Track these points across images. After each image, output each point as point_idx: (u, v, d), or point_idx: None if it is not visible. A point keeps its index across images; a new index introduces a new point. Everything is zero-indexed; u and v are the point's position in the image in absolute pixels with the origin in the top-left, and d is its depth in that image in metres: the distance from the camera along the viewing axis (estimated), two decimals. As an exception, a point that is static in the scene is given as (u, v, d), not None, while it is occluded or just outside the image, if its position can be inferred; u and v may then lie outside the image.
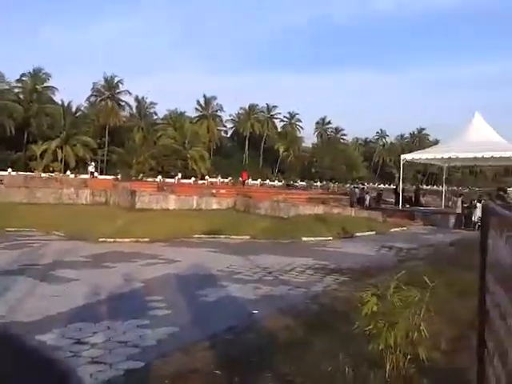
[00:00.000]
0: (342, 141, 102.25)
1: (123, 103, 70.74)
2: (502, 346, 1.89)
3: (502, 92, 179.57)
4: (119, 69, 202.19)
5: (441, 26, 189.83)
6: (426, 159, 30.51)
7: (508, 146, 25.87)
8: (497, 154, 24.76)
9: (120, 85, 68.69)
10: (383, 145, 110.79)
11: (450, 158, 27.20)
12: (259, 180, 64.87)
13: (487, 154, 24.86)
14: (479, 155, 25.16)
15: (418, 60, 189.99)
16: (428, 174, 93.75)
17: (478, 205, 23.39)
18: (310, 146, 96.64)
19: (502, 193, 12.09)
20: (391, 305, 4.58)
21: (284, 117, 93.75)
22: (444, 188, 35.66)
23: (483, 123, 27.57)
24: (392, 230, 21.45)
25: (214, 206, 22.60)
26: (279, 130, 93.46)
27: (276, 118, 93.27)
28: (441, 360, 4.91)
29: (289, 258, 12.73)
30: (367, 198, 30.33)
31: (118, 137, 66.24)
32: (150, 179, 50.16)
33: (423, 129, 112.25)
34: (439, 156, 27.76)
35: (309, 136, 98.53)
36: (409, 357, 4.47)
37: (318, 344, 5.54)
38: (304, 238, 16.86)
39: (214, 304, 8.02)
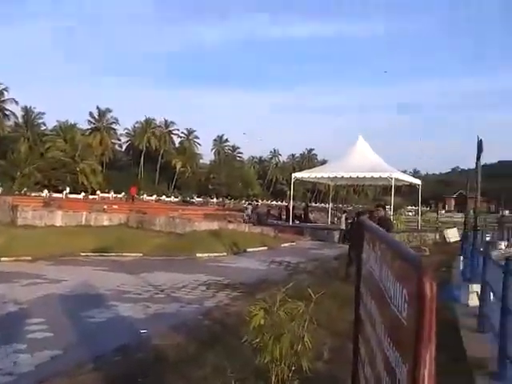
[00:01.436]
0: (238, 159, 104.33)
1: (8, 112, 65.90)
2: (371, 354, 2.04)
3: (381, 117, 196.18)
4: (5, 77, 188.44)
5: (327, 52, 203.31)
6: (315, 178, 32.10)
7: (387, 167, 28.23)
8: (376, 175, 26.90)
9: (5, 93, 64.04)
10: (276, 163, 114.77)
11: (335, 177, 28.97)
12: (155, 196, 63.65)
13: (368, 174, 26.92)
14: (361, 175, 27.14)
15: (309, 84, 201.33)
16: (316, 191, 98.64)
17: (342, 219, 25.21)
18: (208, 162, 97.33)
19: (376, 209, 13.33)
20: (277, 318, 4.74)
21: (182, 133, 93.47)
22: (330, 205, 37.85)
23: (366, 145, 29.80)
24: (283, 245, 22.19)
25: (105, 223, 21.66)
26: (177, 145, 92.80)
27: (174, 134, 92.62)
28: (323, 370, 5.16)
29: (182, 275, 12.61)
30: (258, 214, 31.25)
31: (0, 148, 61.16)
32: (35, 193, 46.86)
33: (312, 149, 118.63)
34: (326, 175, 29.41)
35: (207, 153, 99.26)
36: (293, 368, 4.64)
37: (209, 359, 5.54)
38: (199, 254, 16.80)
39: (102, 324, 7.67)
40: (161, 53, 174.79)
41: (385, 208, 15.30)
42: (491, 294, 6.63)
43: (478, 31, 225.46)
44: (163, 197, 66.17)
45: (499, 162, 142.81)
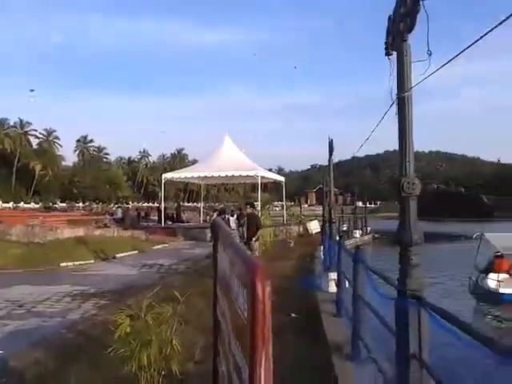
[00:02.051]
0: (105, 160, 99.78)
1: None
2: (226, 354, 2.11)
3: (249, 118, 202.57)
4: None
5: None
6: (186, 178, 32.00)
7: (253, 165, 29.22)
8: (244, 173, 27.72)
9: None
10: (146, 164, 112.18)
11: (206, 176, 29.18)
12: (11, 203, 58.18)
13: (236, 173, 27.61)
14: (230, 174, 27.73)
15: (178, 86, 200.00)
16: (189, 191, 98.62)
17: (231, 218, 25.74)
18: (71, 164, 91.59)
19: (245, 207, 13.97)
20: (145, 324, 4.66)
21: (40, 133, 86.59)
22: (202, 204, 38.02)
23: (232, 145, 30.50)
24: (155, 247, 21.78)
25: None
26: (35, 147, 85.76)
27: (31, 135, 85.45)
28: (194, 371, 5.19)
29: (44, 287, 11.71)
30: (127, 216, 30.34)
31: None
32: None
33: (182, 149, 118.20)
34: (196, 175, 29.49)
35: (69, 155, 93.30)
36: (163, 373, 4.61)
37: (71, 373, 5.24)
38: (63, 264, 15.74)
39: None
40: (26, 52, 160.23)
41: (253, 205, 15.81)
42: (346, 280, 7.25)
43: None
44: (21, 203, 60.80)
45: (352, 157, 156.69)
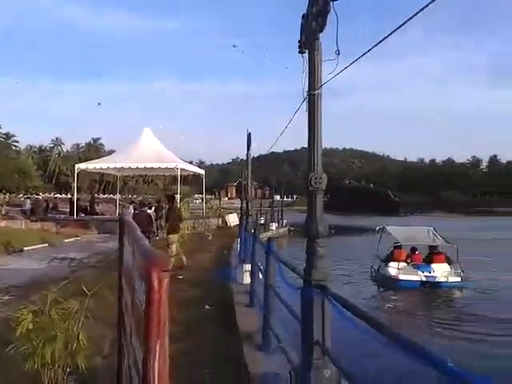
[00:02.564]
0: (14, 148, 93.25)
1: None
2: (127, 343, 2.07)
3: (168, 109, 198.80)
4: None
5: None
6: (101, 169, 30.88)
7: (173, 157, 28.81)
8: (163, 165, 27.26)
9: None
10: (59, 153, 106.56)
11: (122, 167, 28.34)
12: None
13: (155, 165, 27.10)
14: (148, 165, 27.15)
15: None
16: (105, 182, 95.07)
17: (149, 211, 25.21)
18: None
19: (165, 199, 13.91)
20: (49, 319, 4.46)
21: None
22: (118, 196, 36.86)
23: (152, 137, 29.82)
24: (66, 240, 20.79)
25: None
26: None
27: None
28: (102, 365, 5.05)
29: None
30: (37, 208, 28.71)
31: None
32: None
33: (99, 138, 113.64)
34: (113, 166, 28.50)
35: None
36: (68, 369, 4.44)
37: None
38: (-40, 258, 14.58)
39: None
40: None
41: (173, 198, 15.61)
42: (259, 272, 7.39)
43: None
44: None
45: (272, 153, 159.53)
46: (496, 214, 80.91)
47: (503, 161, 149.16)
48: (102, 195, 72.63)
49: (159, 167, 27.67)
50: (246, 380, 4.65)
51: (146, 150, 27.52)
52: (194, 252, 15.92)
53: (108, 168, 29.66)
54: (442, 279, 16.17)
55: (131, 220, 2.41)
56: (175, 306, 8.25)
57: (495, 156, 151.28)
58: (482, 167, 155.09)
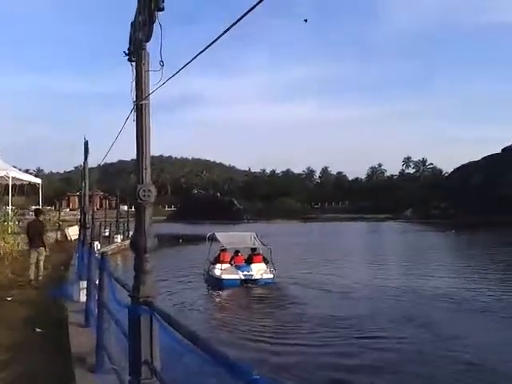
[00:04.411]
0: None
1: None
2: None
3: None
4: None
5: None
6: None
7: (3, 165, 26.01)
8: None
9: None
10: None
11: None
12: None
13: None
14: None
15: None
16: None
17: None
18: None
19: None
20: None
21: None
22: None
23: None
24: None
25: None
26: None
27: None
28: None
29: None
30: None
31: None
32: None
33: None
34: None
35: None
36: None
37: None
38: None
39: None
40: None
41: (41, 213, 14.61)
42: (95, 289, 6.98)
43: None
44: None
45: (119, 161, 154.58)
46: (326, 219, 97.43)
47: (334, 172, 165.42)
48: None
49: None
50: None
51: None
52: (26, 269, 14.53)
53: None
54: (258, 277, 18.39)
55: None
56: (2, 330, 7.42)
57: (326, 168, 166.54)
58: (315, 177, 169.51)
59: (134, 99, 3.25)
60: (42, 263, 12.97)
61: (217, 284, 18.24)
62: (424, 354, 10.30)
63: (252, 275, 18.39)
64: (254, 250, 19.86)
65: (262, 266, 18.89)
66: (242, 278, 18.30)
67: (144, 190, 3.13)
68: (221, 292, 17.61)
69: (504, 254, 30.63)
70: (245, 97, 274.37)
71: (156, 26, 2.93)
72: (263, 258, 19.36)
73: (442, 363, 9.70)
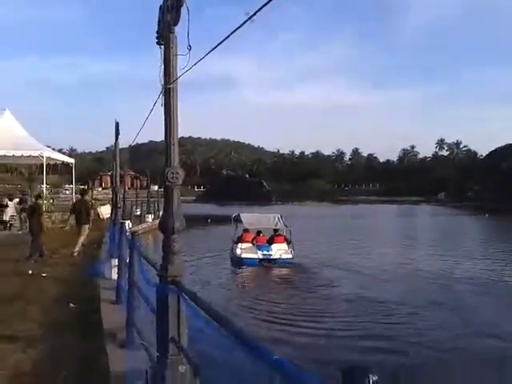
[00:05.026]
0: None
1: None
2: None
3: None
4: None
5: None
6: None
7: (37, 144, 26.64)
8: (26, 153, 25.04)
9: None
10: None
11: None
12: None
13: (17, 153, 24.73)
14: (9, 153, 24.69)
15: None
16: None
17: (10, 203, 23.00)
18: None
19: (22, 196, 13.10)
20: None
21: None
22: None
23: (14, 121, 27.23)
24: None
25: None
26: None
27: None
28: None
29: None
30: None
31: None
32: None
33: None
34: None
35: None
36: None
37: None
38: None
39: None
40: None
41: (85, 192, 15.42)
42: (126, 267, 7.17)
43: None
44: None
45: (150, 141, 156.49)
46: (356, 202, 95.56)
47: (364, 154, 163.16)
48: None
49: (22, 155, 25.26)
50: (107, 378, 4.49)
51: (5, 135, 24.86)
52: (62, 247, 14.99)
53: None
54: (277, 256, 19.24)
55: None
56: (37, 305, 7.73)
57: (357, 149, 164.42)
58: (345, 159, 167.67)
59: (162, 83, 3.28)
60: (81, 238, 13.98)
61: (237, 262, 19.25)
62: (450, 336, 10.23)
63: (271, 255, 19.25)
64: (275, 230, 20.63)
65: (283, 246, 19.68)
66: (261, 257, 19.18)
67: (172, 173, 3.19)
68: (241, 269, 18.67)
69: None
70: (274, 79, 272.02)
71: (184, 10, 2.94)
72: (285, 238, 20.14)
73: (468, 345, 9.62)
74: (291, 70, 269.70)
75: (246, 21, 2.26)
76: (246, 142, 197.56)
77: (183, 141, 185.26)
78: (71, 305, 7.86)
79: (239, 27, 2.34)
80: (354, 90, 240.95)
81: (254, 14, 2.11)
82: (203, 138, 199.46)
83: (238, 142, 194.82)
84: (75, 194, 31.83)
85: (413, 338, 10.19)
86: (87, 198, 15.06)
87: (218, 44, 2.58)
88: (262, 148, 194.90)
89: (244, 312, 12.14)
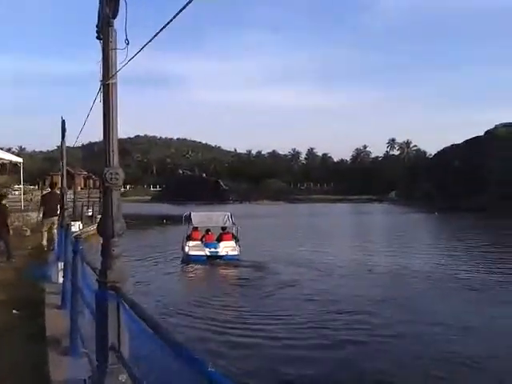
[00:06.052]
0: None
1: None
2: None
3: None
4: None
5: None
6: None
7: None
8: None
9: None
10: None
11: None
12: None
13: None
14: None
15: None
16: None
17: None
18: None
19: None
20: None
21: None
22: None
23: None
24: None
25: None
26: None
27: None
28: None
29: None
30: None
31: None
32: None
33: None
34: None
35: None
36: None
37: None
38: None
39: None
40: None
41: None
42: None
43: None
44: None
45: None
46: (312, 200, 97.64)
47: (319, 153, 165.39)
48: None
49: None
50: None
51: None
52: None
53: None
54: (223, 253, 19.98)
55: None
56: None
57: (312, 149, 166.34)
58: (301, 159, 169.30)
59: (101, 79, 3.14)
60: (55, 230, 13.80)
61: (186, 259, 19.93)
62: (401, 333, 10.48)
63: (218, 252, 19.95)
64: (224, 228, 21.27)
65: (230, 243, 20.42)
66: (208, 254, 19.85)
67: (111, 173, 3.05)
68: (189, 265, 19.43)
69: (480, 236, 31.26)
70: (232, 80, 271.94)
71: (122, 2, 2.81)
72: (233, 236, 20.96)
73: (418, 342, 9.88)
74: (251, 71, 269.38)
75: (181, 10, 2.16)
76: (203, 142, 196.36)
77: (138, 139, 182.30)
78: (14, 311, 7.50)
79: (173, 18, 2.25)
80: (310, 91, 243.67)
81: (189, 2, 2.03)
82: (159, 136, 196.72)
83: (195, 142, 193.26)
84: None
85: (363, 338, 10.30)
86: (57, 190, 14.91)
87: (154, 36, 2.49)
88: (219, 147, 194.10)
89: (182, 316, 11.94)
